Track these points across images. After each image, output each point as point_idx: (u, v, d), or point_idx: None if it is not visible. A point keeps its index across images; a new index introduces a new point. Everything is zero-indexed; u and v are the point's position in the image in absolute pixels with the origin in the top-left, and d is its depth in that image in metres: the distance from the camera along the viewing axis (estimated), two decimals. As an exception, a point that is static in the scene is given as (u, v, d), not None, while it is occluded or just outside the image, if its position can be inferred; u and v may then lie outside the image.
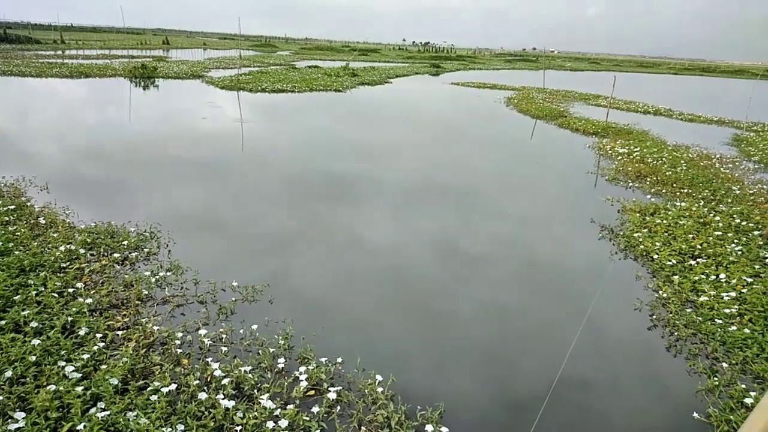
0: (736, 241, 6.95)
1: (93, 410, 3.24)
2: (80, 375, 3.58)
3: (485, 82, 35.22)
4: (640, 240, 6.99)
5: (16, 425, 3.04)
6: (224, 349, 4.14)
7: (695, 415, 3.79)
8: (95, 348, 3.89)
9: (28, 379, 3.52)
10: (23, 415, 3.14)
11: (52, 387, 3.39)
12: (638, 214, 8.07)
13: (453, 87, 32.56)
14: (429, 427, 3.44)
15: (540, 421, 3.49)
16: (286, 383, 3.80)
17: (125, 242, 5.95)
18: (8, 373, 3.50)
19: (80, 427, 3.07)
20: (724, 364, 4.37)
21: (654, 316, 5.20)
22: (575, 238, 7.59)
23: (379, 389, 3.77)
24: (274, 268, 5.86)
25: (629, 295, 5.65)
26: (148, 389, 3.52)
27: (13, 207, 6.63)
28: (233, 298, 5.01)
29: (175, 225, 6.70)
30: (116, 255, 5.64)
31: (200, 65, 33.54)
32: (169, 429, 3.14)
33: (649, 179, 10.51)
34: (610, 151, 13.25)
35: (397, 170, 10.93)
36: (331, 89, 24.63)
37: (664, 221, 7.65)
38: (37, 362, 3.68)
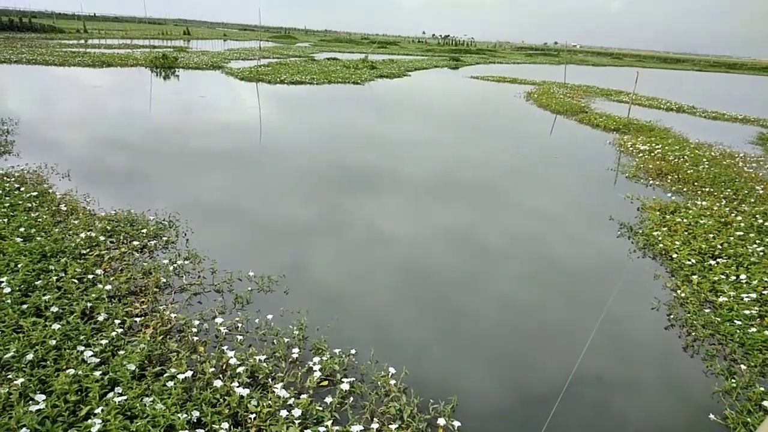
0: (758, 241, 6.82)
1: (110, 395, 3.30)
2: (99, 360, 3.65)
3: (505, 76, 34.93)
4: (660, 239, 6.90)
5: (37, 407, 3.11)
6: (240, 337, 4.19)
7: (711, 416, 3.74)
8: (113, 334, 3.96)
9: (48, 362, 3.59)
10: (43, 397, 3.20)
11: (72, 371, 3.46)
12: (658, 213, 7.96)
13: (472, 81, 32.34)
14: (441, 421, 3.44)
15: (553, 418, 3.48)
16: (299, 373, 3.83)
17: (144, 230, 6.03)
18: (30, 356, 3.58)
19: (98, 410, 3.13)
20: (743, 366, 4.30)
21: (672, 316, 5.13)
22: (594, 235, 7.52)
23: (392, 381, 3.79)
24: (290, 259, 5.90)
25: (647, 294, 5.59)
26: (165, 375, 3.58)
27: (35, 194, 6.75)
28: (249, 288, 5.05)
29: (193, 214, 6.77)
30: (135, 243, 5.72)
31: (220, 56, 33.74)
32: (185, 415, 3.18)
33: (670, 177, 10.35)
34: (630, 148, 13.07)
35: (415, 163, 10.91)
36: (349, 81, 24.62)
37: (685, 220, 7.54)
38: (57, 346, 3.76)
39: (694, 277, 5.84)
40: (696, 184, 9.86)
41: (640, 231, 7.28)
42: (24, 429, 2.93)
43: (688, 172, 10.54)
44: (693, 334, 4.82)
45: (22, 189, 6.89)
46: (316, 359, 3.97)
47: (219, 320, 4.38)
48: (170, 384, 3.47)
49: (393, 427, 3.33)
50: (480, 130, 16.19)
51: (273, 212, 7.45)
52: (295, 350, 4.07)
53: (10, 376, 3.43)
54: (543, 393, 3.94)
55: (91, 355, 3.66)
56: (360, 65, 32.20)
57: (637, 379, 4.26)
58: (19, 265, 4.74)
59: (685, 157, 11.82)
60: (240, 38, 72.44)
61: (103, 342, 3.83)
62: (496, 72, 39.28)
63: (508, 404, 3.85)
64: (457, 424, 3.42)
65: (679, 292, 5.57)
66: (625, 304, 5.39)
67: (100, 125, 12.45)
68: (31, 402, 3.17)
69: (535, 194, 9.51)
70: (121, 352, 3.75)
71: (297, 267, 5.72)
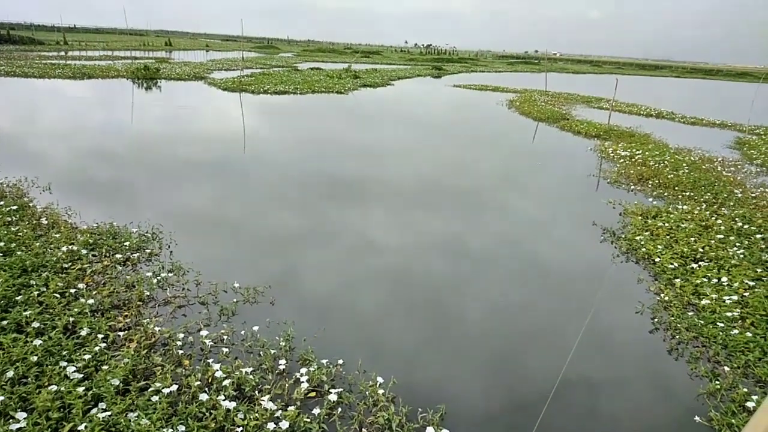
0: (738, 244, 6.94)
1: (94, 411, 3.24)
2: (81, 375, 3.58)
3: (487, 84, 35.26)
4: (642, 243, 6.98)
5: (18, 425, 3.04)
6: (225, 350, 4.15)
7: (697, 418, 3.78)
8: (97, 348, 3.89)
9: (29, 379, 3.52)
10: (24, 415, 3.14)
11: (54, 387, 3.40)
12: (640, 217, 8.06)
13: (455, 89, 32.58)
14: (430, 429, 3.43)
15: (541, 423, 3.49)
16: (287, 384, 3.80)
17: (127, 243, 5.96)
18: (10, 373, 3.51)
19: (81, 427, 3.07)
20: (726, 368, 4.36)
21: (656, 319, 5.19)
22: (577, 240, 7.58)
23: (381, 391, 3.77)
24: (275, 270, 5.87)
25: (631, 298, 5.64)
26: (150, 390, 3.52)
27: (15, 207, 6.64)
28: (235, 300, 5.01)
29: (177, 226, 6.70)
30: (118, 256, 5.65)
31: (203, 67, 33.61)
32: (170, 430, 3.14)
33: (651, 182, 10.50)
34: (612, 154, 13.25)
35: (399, 172, 10.93)
36: (333, 91, 24.66)
37: (666, 224, 7.64)
38: (39, 362, 3.68)
39: (677, 280, 5.92)
40: (676, 188, 10.02)
41: (623, 236, 7.37)
42: (4, 448, 2.86)
43: (669, 176, 10.71)
44: (677, 337, 4.88)
45: (2, 203, 6.77)
46: (304, 370, 3.95)
47: (204, 333, 4.33)
48: (155, 398, 3.41)
49: (382, 436, 3.32)
50: (463, 138, 16.29)
51: (258, 223, 7.41)
52: (282, 361, 4.04)
53: (-11, 395, 3.35)
54: (531, 398, 3.95)
55: (74, 371, 3.59)
56: (343, 75, 32.28)
57: (623, 382, 4.30)
58: (-1, 281, 4.65)
59: (666, 162, 12.00)
60: (222, 49, 72.25)
61: (86, 357, 3.76)
62: (479, 80, 39.63)
63: (496, 410, 3.85)
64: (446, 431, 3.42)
65: (662, 295, 5.64)
66: (610, 309, 5.45)
67: (81, 137, 12.31)
68: (11, 420, 3.10)
69: (519, 201, 9.58)
70: (105, 367, 3.69)
71: (283, 277, 5.69)
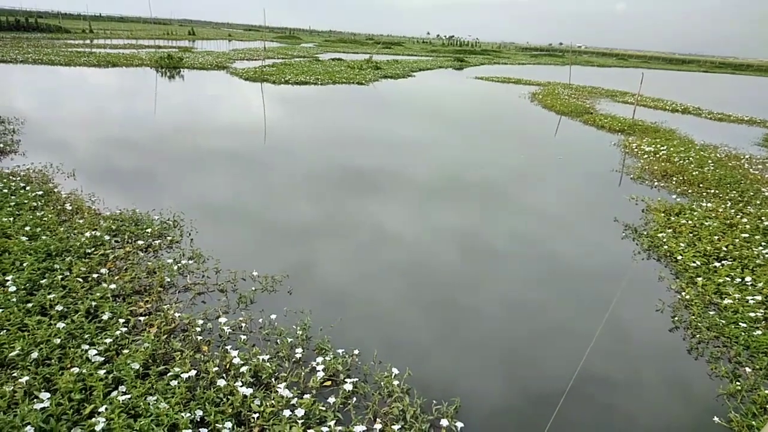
0: (763, 243, 6.79)
1: (115, 393, 3.31)
2: (103, 359, 3.66)
3: (510, 76, 34.88)
4: (664, 240, 6.87)
5: (42, 405, 3.12)
6: (243, 337, 4.20)
7: (716, 419, 3.73)
8: (118, 333, 3.97)
9: (53, 360, 3.61)
10: (48, 395, 3.22)
11: (76, 369, 3.48)
12: (663, 214, 7.93)
13: (477, 81, 32.31)
14: (444, 422, 3.44)
15: (556, 419, 3.47)
16: (303, 373, 3.84)
17: (149, 230, 6.05)
18: (34, 354, 3.60)
19: (102, 409, 3.14)
20: (748, 369, 4.28)
21: (676, 318, 5.12)
22: (598, 236, 7.49)
23: (395, 382, 3.79)
24: (294, 259, 5.91)
25: (651, 296, 5.57)
26: (169, 374, 3.59)
27: (41, 193, 6.78)
28: (253, 288, 5.06)
29: (197, 214, 6.78)
30: (140, 242, 5.74)
31: (225, 56, 33.82)
32: (188, 414, 3.19)
33: (675, 179, 10.32)
34: (635, 150, 13.03)
35: (419, 165, 10.90)
36: (353, 82, 24.63)
37: (689, 222, 7.51)
38: (62, 345, 3.77)
39: (699, 279, 5.82)
40: (701, 185, 9.83)
41: (645, 232, 7.26)
42: (29, 427, 2.94)
43: (694, 173, 10.50)
44: (697, 336, 4.80)
45: (28, 188, 6.92)
46: (320, 359, 3.98)
47: (223, 320, 4.38)
48: (174, 383, 3.48)
49: (396, 427, 3.33)
50: (484, 130, 16.17)
51: (277, 212, 7.46)
52: (299, 350, 4.08)
53: (15, 374, 3.45)
54: (546, 394, 3.93)
55: (96, 354, 3.67)
56: (364, 66, 32.22)
57: (641, 380, 4.25)
58: (25, 264, 4.76)
59: (691, 158, 11.77)
60: (245, 38, 72.58)
61: (108, 341, 3.84)
62: (501, 73, 39.23)
63: (511, 405, 3.84)
64: (460, 425, 3.42)
65: (683, 294, 5.55)
66: (630, 306, 5.38)
67: (105, 125, 12.50)
68: (35, 400, 3.19)
69: (540, 195, 9.49)
70: (125, 351, 3.76)
71: (301, 267, 5.72)
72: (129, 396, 3.28)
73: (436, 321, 4.91)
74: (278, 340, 4.22)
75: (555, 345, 4.68)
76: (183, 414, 3.18)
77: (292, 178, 9.21)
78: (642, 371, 4.38)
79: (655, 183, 10.12)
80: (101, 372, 3.47)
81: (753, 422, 3.65)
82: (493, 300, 5.41)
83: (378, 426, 3.34)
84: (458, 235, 7.13)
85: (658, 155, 12.23)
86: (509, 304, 5.35)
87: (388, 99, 22.05)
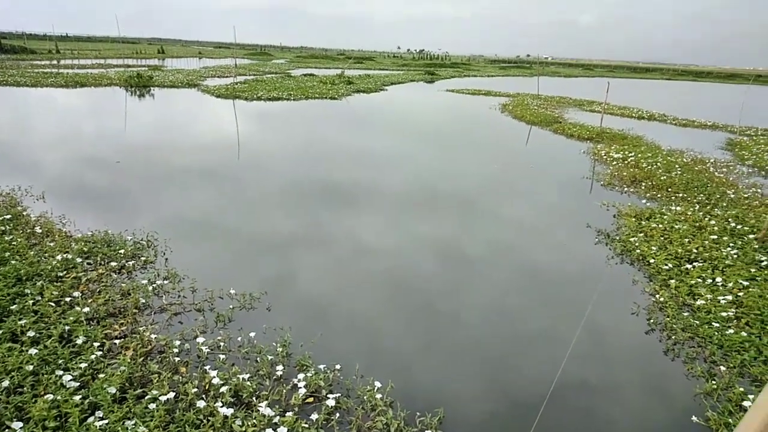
0: (731, 244, 6.99)
1: (91, 419, 3.23)
2: (78, 384, 3.57)
3: (480, 89, 35.39)
4: (636, 244, 7.02)
5: (14, 435, 3.02)
6: (222, 356, 4.13)
7: (694, 418, 3.80)
8: (93, 357, 3.88)
9: (25, 388, 3.50)
10: (21, 424, 3.12)
11: (50, 396, 3.38)
12: (634, 219, 8.10)
13: (448, 94, 32.69)
14: (428, 433, 3.43)
15: (538, 425, 3.49)
16: (284, 390, 3.80)
17: (122, 251, 5.94)
18: (5, 383, 3.49)
19: (78, 436, 3.05)
20: (722, 368, 4.38)
21: (651, 320, 5.21)
22: (571, 243, 7.61)
23: (378, 395, 3.77)
24: (271, 276, 5.86)
25: (626, 300, 5.67)
26: (147, 398, 3.51)
27: (9, 217, 6.61)
28: (231, 306, 5.00)
29: (171, 233, 6.68)
30: (113, 264, 5.63)
31: (196, 74, 33.58)
32: (168, 437, 3.13)
33: (644, 184, 10.56)
34: (605, 156, 13.32)
35: (394, 177, 10.95)
36: (326, 97, 24.69)
37: (660, 225, 7.69)
38: (35, 371, 3.66)
39: (672, 281, 5.95)
40: (670, 190, 10.08)
41: (617, 237, 7.40)
42: (1, 459, 2.84)
43: (662, 178, 10.77)
44: (673, 337, 4.90)
45: (-5, 212, 6.74)
46: (301, 376, 3.94)
47: (201, 339, 4.32)
48: (152, 406, 3.40)
49: (380, 441, 3.31)
50: (457, 142, 16.34)
51: (253, 229, 7.40)
52: (279, 367, 4.03)
53: (-15, 405, 3.33)
54: (528, 400, 3.96)
55: (70, 380, 3.58)
56: (337, 81, 32.34)
57: (619, 383, 4.31)
58: (-7, 290, 4.62)
59: (658, 164, 12.08)
60: (215, 56, 72.22)
61: (83, 365, 3.75)
62: (471, 85, 39.79)
63: (494, 413, 3.85)
64: (444, 435, 3.41)
65: (657, 296, 5.67)
66: (606, 310, 5.47)
67: (74, 145, 12.27)
68: (7, 430, 3.08)
69: (513, 204, 9.61)
70: (101, 375, 3.67)
71: (279, 283, 5.68)
72: (106, 421, 3.20)
73: (416, 332, 4.92)
74: (258, 358, 4.17)
75: (535, 351, 4.72)
76: (163, 437, 3.11)
77: (268, 194, 9.16)
78: (620, 374, 4.45)
79: (625, 189, 10.35)
80: (77, 398, 3.38)
81: (729, 419, 3.73)
82: (472, 308, 5.44)
83: (362, 440, 3.32)
84: (435, 245, 7.17)
85: (626, 161, 12.51)
86: (488, 312, 5.39)
87: (361, 113, 22.15)
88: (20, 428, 3.08)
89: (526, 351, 4.73)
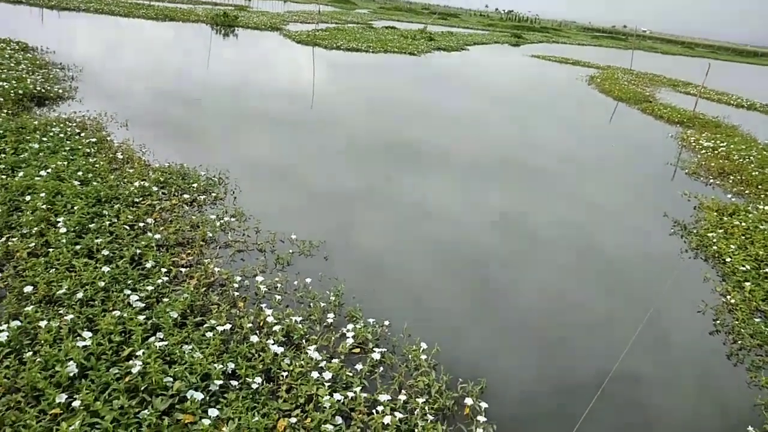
0: (822, 253, 6.44)
1: (152, 339, 3.44)
2: (143, 305, 3.80)
3: (568, 57, 33.70)
4: (714, 240, 6.61)
5: (84, 343, 3.26)
6: (278, 297, 4.27)
7: (750, 429, 3.61)
8: (159, 281, 4.10)
9: (96, 302, 3.76)
10: (90, 335, 3.36)
11: (117, 313, 3.61)
12: (715, 213, 7.61)
13: (532, 59, 31.38)
14: (468, 400, 3.44)
15: (587, 417, 3.42)
16: (333, 338, 3.89)
17: (195, 185, 6.18)
18: (80, 295, 3.76)
19: (139, 353, 3.26)
20: (790, 381, 4.12)
21: (718, 321, 4.94)
22: (645, 230, 7.26)
23: (423, 356, 3.80)
24: (332, 226, 5.95)
25: (694, 297, 5.39)
26: (205, 326, 3.70)
27: (94, 140, 6.99)
28: (291, 251, 5.13)
29: (241, 173, 6.88)
30: (186, 196, 5.88)
31: (279, 18, 33.78)
32: (221, 365, 3.29)
33: (732, 177, 9.86)
34: (693, 144, 12.48)
35: (465, 141, 10.74)
36: (405, 52, 24.28)
37: (743, 224, 7.18)
38: (106, 288, 3.92)
39: (747, 283, 5.58)
40: (760, 187, 9.35)
41: (695, 231, 6.99)
42: (71, 362, 3.08)
43: (753, 173, 10.00)
44: (739, 342, 4.63)
45: (82, 134, 7.14)
46: (350, 326, 4.02)
47: (260, 278, 4.47)
48: (209, 335, 3.58)
49: (420, 400, 3.35)
50: (536, 111, 15.76)
51: (319, 178, 7.50)
52: (330, 315, 4.13)
53: (61, 312, 3.61)
54: (578, 388, 3.87)
55: (137, 300, 3.81)
56: (418, 36, 31.67)
57: (676, 382, 4.14)
58: (75, 208, 4.93)
59: (752, 157, 11.19)
60: (300, 0, 72.26)
61: (149, 288, 3.98)
62: (559, 52, 37.93)
63: (540, 394, 3.81)
64: (484, 405, 3.41)
65: (728, 297, 5.35)
66: (671, 305, 5.22)
67: (158, 78, 12.74)
68: (78, 338, 3.33)
69: (587, 182, 9.23)
70: (165, 300, 3.89)
71: (338, 234, 5.76)
72: (166, 343, 3.40)
73: (469, 301, 4.89)
74: (311, 304, 4.28)
75: (591, 339, 4.60)
76: (216, 365, 3.27)
77: (336, 146, 9.22)
78: (678, 372, 4.27)
79: (711, 180, 9.70)
80: (141, 317, 3.60)
81: (790, 436, 3.52)
82: (530, 286, 5.34)
83: (403, 397, 3.37)
84: (499, 215, 7.03)
85: (716, 151, 11.68)
86: (546, 292, 5.27)
87: (439, 71, 21.70)
88: (90, 338, 3.33)
89: (581, 337, 4.62)
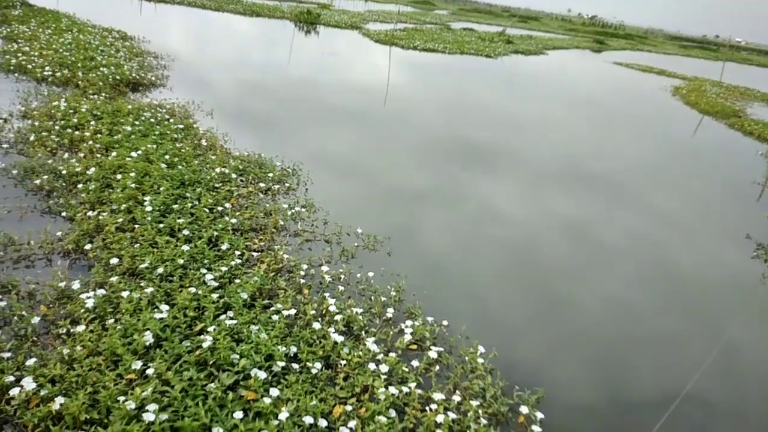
0: None
1: (223, 317, 3.64)
2: (217, 284, 4.02)
3: (652, 66, 32.21)
4: (803, 268, 6.18)
5: (161, 315, 3.50)
6: (341, 288, 4.40)
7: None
8: (233, 263, 4.33)
9: (174, 278, 4.02)
10: (167, 308, 3.60)
11: (193, 289, 3.85)
12: (807, 239, 7.09)
13: (614, 67, 30.23)
14: (524, 408, 3.41)
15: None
16: (391, 332, 3.97)
17: (270, 174, 6.44)
18: (160, 270, 4.03)
19: (211, 329, 3.46)
20: None
21: (801, 354, 4.63)
22: (724, 251, 6.89)
23: (480, 360, 3.80)
24: (397, 223, 6.03)
25: (775, 325, 5.07)
26: (271, 309, 3.87)
27: (182, 126, 7.41)
28: (356, 244, 5.26)
29: (314, 166, 7.09)
30: (261, 184, 6.14)
31: (359, 16, 34.31)
32: (284, 348, 3.44)
33: (829, 202, 9.14)
34: (786, 163, 11.65)
35: (538, 147, 10.55)
36: (482, 54, 24.05)
37: (839, 253, 6.66)
38: (184, 265, 4.18)
39: (838, 317, 5.19)
40: None
41: (781, 256, 6.56)
42: (148, 332, 3.32)
43: None
44: (823, 378, 4.33)
45: (171, 120, 7.59)
46: (409, 323, 4.08)
47: (325, 268, 4.62)
48: (275, 317, 3.75)
49: (474, 403, 3.37)
50: (616, 120, 15.21)
51: (388, 175, 7.61)
52: (390, 310, 4.21)
53: (142, 284, 3.88)
54: (642, 410, 3.74)
55: (212, 279, 4.04)
56: (496, 38, 31.27)
57: (751, 414, 3.93)
58: (161, 189, 5.27)
59: None
60: (381, 0, 72.96)
61: (223, 269, 4.20)
62: (643, 60, 36.30)
63: (600, 411, 3.71)
64: (540, 415, 3.38)
65: (815, 330, 5.00)
66: (750, 331, 4.94)
67: (243, 70, 13.30)
68: (156, 310, 3.58)
69: (665, 197, 8.83)
70: (237, 281, 4.10)
71: (403, 231, 5.83)
72: (235, 321, 3.59)
73: (531, 308, 4.83)
74: (372, 297, 4.38)
75: (660, 359, 4.42)
76: (279, 347, 3.43)
77: (406, 144, 9.31)
78: (754, 405, 4.04)
79: (804, 204, 9.04)
80: (214, 296, 3.82)
81: None
82: (595, 298, 5.20)
83: (457, 398, 3.39)
84: (568, 224, 6.87)
85: (813, 173, 10.85)
86: (612, 306, 5.11)
87: (515, 75, 21.34)
88: (166, 311, 3.57)
89: (648, 356, 4.44)
